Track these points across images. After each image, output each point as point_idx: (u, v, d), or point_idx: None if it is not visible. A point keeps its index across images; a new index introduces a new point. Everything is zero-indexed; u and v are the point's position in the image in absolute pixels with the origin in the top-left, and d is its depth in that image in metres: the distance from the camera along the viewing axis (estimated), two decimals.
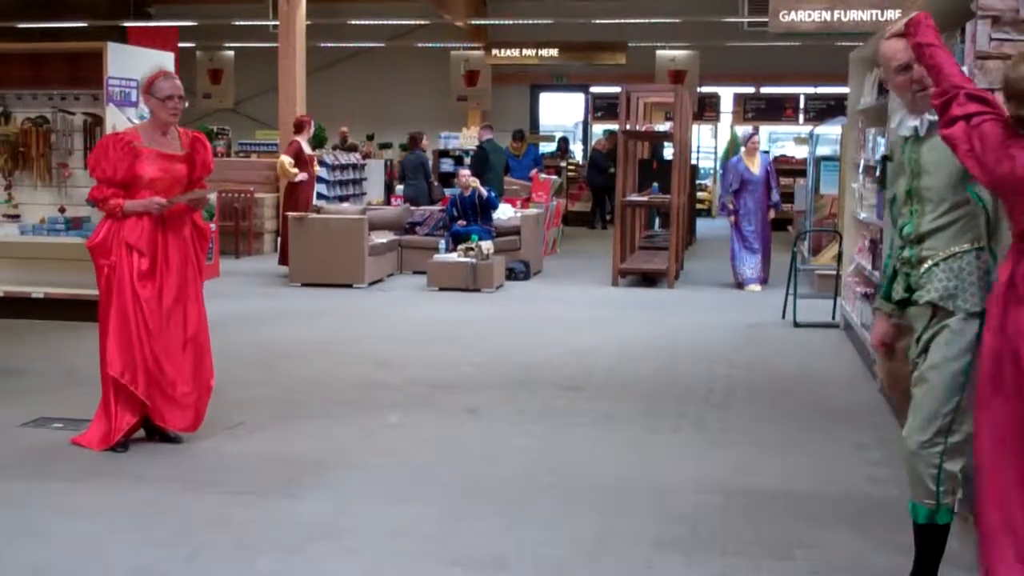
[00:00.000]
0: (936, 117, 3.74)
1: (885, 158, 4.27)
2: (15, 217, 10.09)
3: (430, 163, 18.09)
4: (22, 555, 4.41)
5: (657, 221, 17.55)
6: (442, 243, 13.51)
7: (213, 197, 14.20)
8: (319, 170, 14.82)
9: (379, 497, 5.19)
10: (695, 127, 22.71)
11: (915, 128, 3.94)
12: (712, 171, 26.11)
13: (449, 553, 4.47)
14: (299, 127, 14.12)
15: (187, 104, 6.05)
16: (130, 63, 9.68)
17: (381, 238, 13.40)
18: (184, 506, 5.02)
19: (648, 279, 13.44)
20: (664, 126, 15.85)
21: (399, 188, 18.00)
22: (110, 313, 5.79)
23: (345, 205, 14.90)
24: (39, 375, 7.70)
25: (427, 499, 5.15)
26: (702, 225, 21.00)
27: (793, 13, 12.64)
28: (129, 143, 5.81)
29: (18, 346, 8.47)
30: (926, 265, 3.86)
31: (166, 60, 10.35)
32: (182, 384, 5.90)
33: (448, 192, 16.67)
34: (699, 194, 23.09)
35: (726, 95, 25.17)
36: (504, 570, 4.33)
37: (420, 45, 25.34)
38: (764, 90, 24.82)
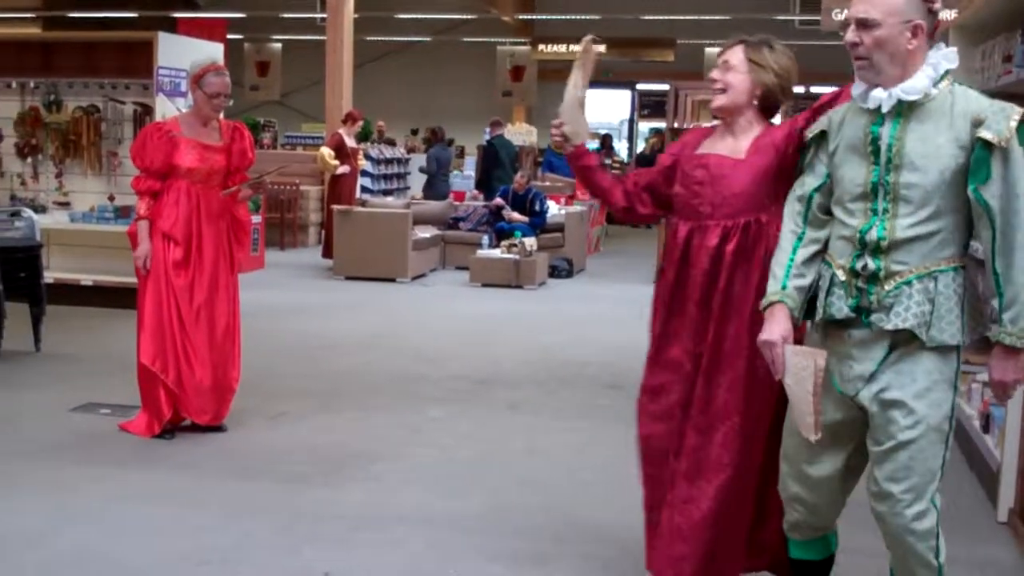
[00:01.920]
0: (916, 96, 3.08)
1: (813, 139, 3.38)
2: (65, 205, 10.21)
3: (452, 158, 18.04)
4: (70, 539, 4.47)
5: None
6: (485, 239, 13.50)
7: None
8: (364, 164, 14.85)
9: (421, 490, 5.20)
10: None
11: (880, 103, 3.12)
12: None
13: (490, 548, 4.48)
14: (348, 120, 14.16)
15: (231, 101, 6.07)
16: (180, 53, 9.76)
17: (425, 233, 13.42)
18: (229, 493, 5.07)
19: None
20: (712, 124, 15.75)
21: (455, 182, 17.97)
22: (144, 301, 5.86)
23: (389, 199, 14.94)
24: (88, 361, 7.79)
25: (469, 494, 5.16)
26: None
27: (846, 11, 12.49)
28: (168, 132, 5.83)
29: (67, 332, 8.56)
30: (894, 282, 3.09)
31: (216, 51, 10.44)
32: (207, 379, 5.89)
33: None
34: None
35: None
36: (545, 566, 4.33)
37: (466, 40, 25.39)
38: (815, 89, 24.59)
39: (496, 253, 12.68)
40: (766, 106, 3.76)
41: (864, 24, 3.09)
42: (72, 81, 10.14)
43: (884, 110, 3.11)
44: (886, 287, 3.10)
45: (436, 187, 16.24)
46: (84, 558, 4.28)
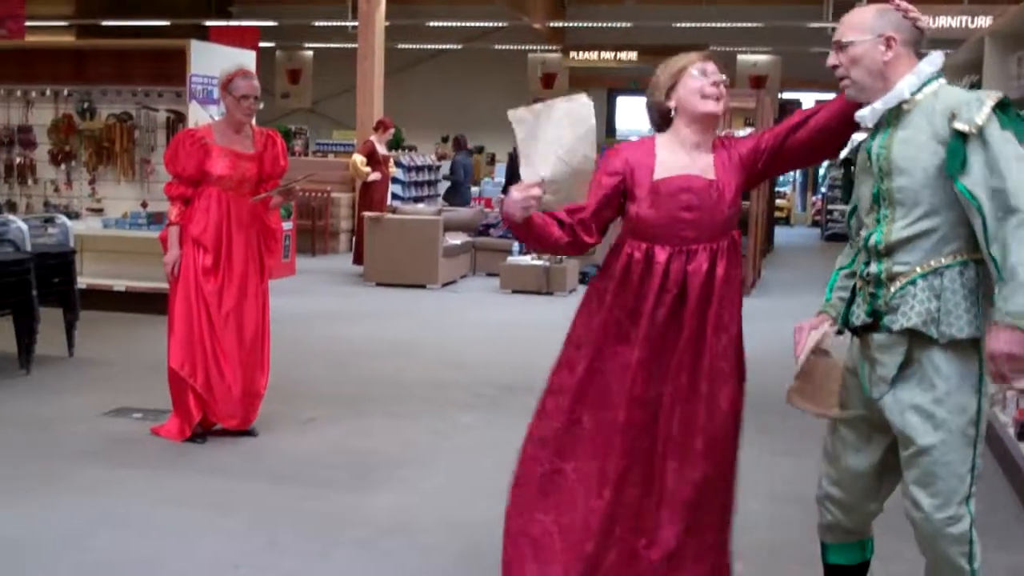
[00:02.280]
0: (893, 104, 3.16)
1: (847, 161, 3.61)
2: (99, 211, 10.29)
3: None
4: (102, 541, 4.49)
5: None
6: (516, 245, 13.50)
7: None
8: (395, 171, 14.88)
9: (450, 496, 5.20)
10: None
11: (873, 112, 3.22)
12: (792, 178, 25.84)
13: None
14: (379, 127, 14.21)
15: (262, 105, 6.08)
16: (212, 61, 9.83)
17: (455, 239, 13.44)
18: (259, 498, 5.08)
19: None
20: (744, 132, 15.72)
21: (486, 189, 18.08)
22: (175, 306, 5.90)
23: (420, 206, 14.97)
24: (120, 366, 7.84)
25: (497, 500, 5.13)
26: (780, 233, 20.79)
27: None
28: (200, 139, 5.86)
29: (100, 338, 8.62)
30: (899, 283, 3.14)
31: (247, 59, 10.50)
32: (235, 384, 5.92)
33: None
34: (777, 201, 22.87)
35: (808, 101, 24.79)
36: None
37: (497, 47, 25.42)
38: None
39: (527, 260, 12.68)
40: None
41: (840, 45, 3.23)
42: (105, 89, 10.24)
43: (869, 124, 3.22)
44: (891, 289, 3.15)
45: (461, 194, 16.30)
46: (116, 561, 4.30)
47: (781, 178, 25.13)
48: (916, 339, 3.11)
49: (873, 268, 3.20)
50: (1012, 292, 2.92)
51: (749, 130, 14.29)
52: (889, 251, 3.15)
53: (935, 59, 3.21)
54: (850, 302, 3.34)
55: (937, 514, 3.09)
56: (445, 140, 23.21)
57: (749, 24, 22.13)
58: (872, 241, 3.19)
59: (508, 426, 6.48)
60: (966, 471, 3.09)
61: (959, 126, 3.00)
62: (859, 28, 3.22)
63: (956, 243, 3.09)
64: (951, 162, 3.01)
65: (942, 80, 3.21)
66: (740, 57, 23.74)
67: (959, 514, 3.09)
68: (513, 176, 16.35)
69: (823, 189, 23.76)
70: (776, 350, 9.18)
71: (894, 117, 3.18)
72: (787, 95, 24.28)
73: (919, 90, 3.16)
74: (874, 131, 3.24)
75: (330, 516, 4.85)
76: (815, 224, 24.62)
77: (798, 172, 25.69)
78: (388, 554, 4.45)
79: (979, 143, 2.99)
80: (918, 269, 3.11)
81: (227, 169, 5.87)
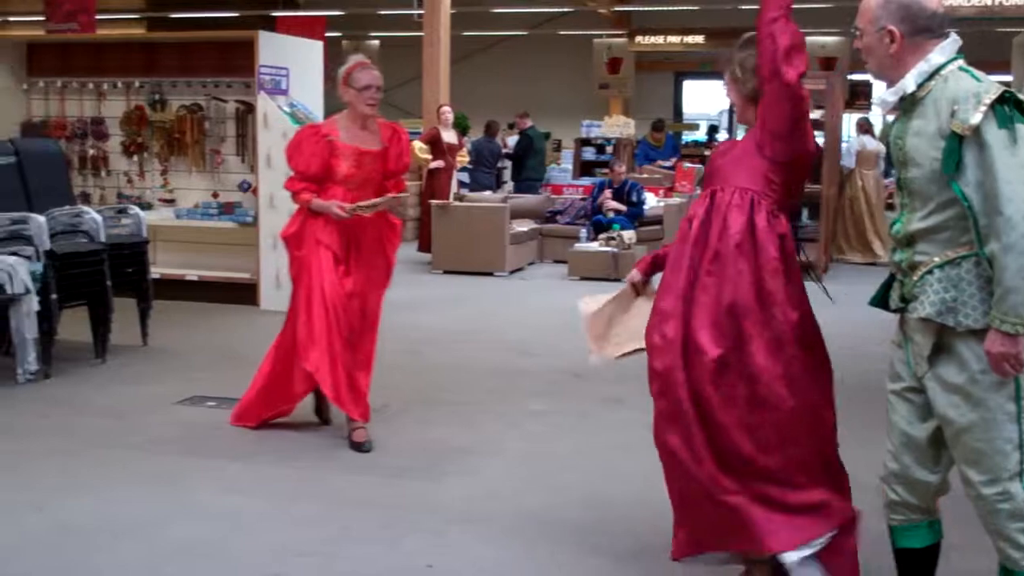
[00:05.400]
0: (898, 95, 3.21)
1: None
2: (170, 202, 10.42)
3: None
4: (177, 529, 4.55)
5: (805, 212, 17.17)
6: (583, 232, 13.45)
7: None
8: (465, 160, 14.79)
9: (520, 484, 5.19)
10: (845, 116, 22.16)
11: (883, 102, 3.30)
12: None
13: (590, 543, 4.45)
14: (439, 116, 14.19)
15: (381, 94, 5.77)
16: (280, 52, 9.91)
17: (522, 226, 13.42)
18: (331, 486, 5.11)
19: None
20: (814, 114, 15.49)
21: (552, 175, 18.10)
22: (299, 306, 5.71)
23: (487, 193, 14.96)
24: (193, 355, 7.93)
25: (568, 488, 5.14)
26: None
27: None
28: (325, 137, 5.66)
29: (173, 327, 8.73)
30: (919, 273, 3.17)
31: (315, 49, 10.55)
32: (363, 377, 5.83)
33: (590, 180, 16.60)
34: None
35: (878, 83, 24.42)
36: (645, 559, 4.28)
37: (563, 33, 25.31)
38: None
39: (594, 246, 12.62)
40: None
41: (858, 32, 3.29)
42: (176, 80, 10.36)
43: (882, 113, 3.32)
44: (913, 278, 3.20)
45: (478, 179, 16.15)
46: (189, 549, 4.35)
47: None
48: (942, 325, 3.14)
49: (898, 257, 3.26)
50: (1001, 294, 2.98)
51: (820, 112, 14.08)
52: (909, 241, 3.20)
53: (948, 46, 3.17)
54: (889, 284, 3.37)
55: (987, 490, 3.14)
56: (511, 127, 23.19)
57: (817, 5, 21.79)
58: (894, 230, 3.26)
59: (577, 413, 6.48)
60: (1012, 447, 3.11)
61: (954, 126, 3.01)
62: (866, 17, 3.24)
63: (971, 234, 3.07)
64: (947, 162, 3.04)
65: (957, 63, 3.17)
66: (808, 39, 23.28)
67: (1010, 490, 3.12)
68: (522, 159, 16.70)
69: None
70: (847, 335, 9.09)
71: (909, 104, 3.19)
72: (857, 76, 23.94)
73: (930, 78, 3.15)
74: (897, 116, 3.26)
75: (401, 504, 4.86)
76: (888, 207, 24.19)
77: None
78: (458, 543, 4.45)
79: (974, 144, 3.00)
80: (936, 259, 3.14)
81: (353, 167, 5.67)
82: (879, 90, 3.36)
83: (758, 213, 3.57)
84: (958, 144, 3.00)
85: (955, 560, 4.24)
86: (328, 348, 5.61)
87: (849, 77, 23.07)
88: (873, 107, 23.95)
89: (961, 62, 3.17)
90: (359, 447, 5.64)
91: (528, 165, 16.71)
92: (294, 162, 5.70)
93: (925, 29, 3.17)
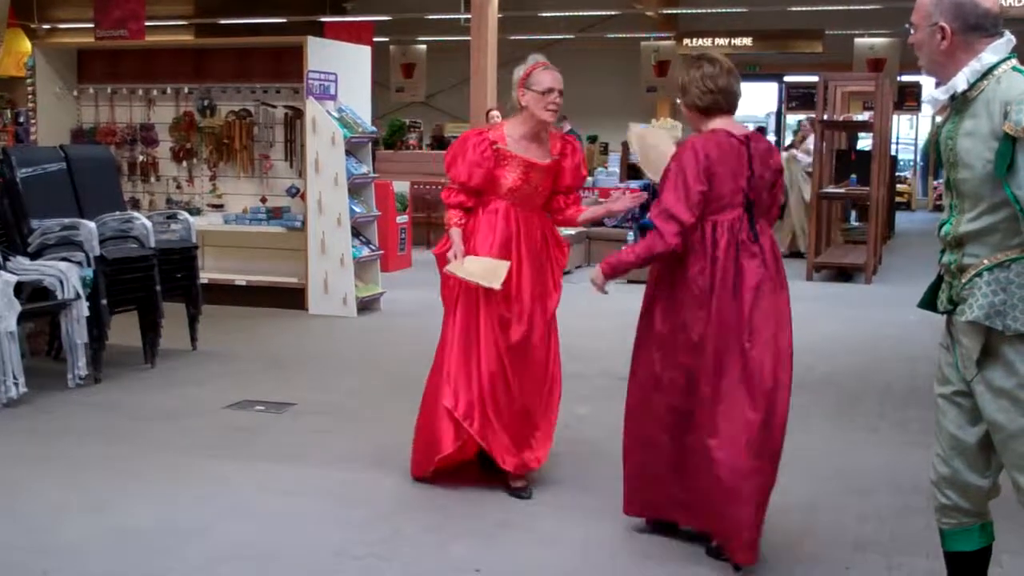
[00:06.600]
0: (948, 94, 3.14)
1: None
2: (219, 207, 10.48)
3: None
4: (227, 531, 4.57)
5: (853, 214, 17.02)
6: (631, 235, 13.38)
7: (405, 187, 14.38)
8: None
9: (570, 486, 5.17)
10: (895, 117, 21.96)
11: (933, 101, 3.22)
12: (912, 163, 25.21)
13: (641, 547, 4.42)
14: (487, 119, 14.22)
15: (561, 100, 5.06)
16: (329, 57, 9.95)
17: (569, 230, 13.37)
18: (380, 489, 5.12)
19: (844, 274, 13.04)
20: (863, 116, 15.36)
21: (599, 179, 18.12)
22: (451, 334, 5.06)
23: None
24: (242, 359, 7.97)
25: (617, 490, 5.09)
26: (901, 219, 20.27)
27: None
28: (492, 145, 5.01)
29: (222, 331, 8.78)
30: (968, 275, 3.13)
31: (363, 54, 10.59)
32: (511, 426, 5.06)
33: (637, 183, 16.54)
34: (898, 186, 22.30)
35: (928, 84, 24.14)
36: (698, 566, 4.24)
37: (610, 36, 25.24)
38: None
39: None
40: None
41: (912, 27, 3.24)
42: (225, 86, 10.42)
43: (932, 112, 3.27)
44: (962, 280, 3.16)
45: None
46: (240, 551, 4.36)
47: (901, 163, 24.55)
48: (991, 329, 3.09)
49: (947, 258, 3.22)
50: None
51: (868, 114, 13.96)
52: (958, 243, 3.16)
53: (1001, 45, 3.13)
54: (937, 286, 3.32)
55: None
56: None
57: (866, 7, 21.57)
58: (943, 232, 3.21)
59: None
60: None
61: (1006, 128, 2.96)
62: (920, 13, 3.21)
63: (1022, 236, 3.04)
64: (999, 164, 2.99)
65: (1011, 63, 3.12)
66: (857, 40, 23.16)
67: None
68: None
69: None
70: (895, 336, 8.99)
71: (960, 104, 3.14)
72: (906, 77, 23.70)
73: (982, 78, 3.10)
74: (947, 116, 3.20)
75: (449, 509, 4.85)
76: (937, 209, 23.97)
77: (919, 156, 25.08)
78: (507, 548, 4.43)
79: None
80: (985, 262, 3.09)
81: (519, 181, 5.02)
82: (928, 92, 3.33)
83: None
84: (1011, 145, 2.96)
85: (1007, 564, 4.18)
86: (478, 382, 4.98)
87: (899, 79, 22.85)
88: (923, 107, 23.74)
89: (1015, 62, 3.13)
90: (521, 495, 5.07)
91: None
92: (454, 171, 5.06)
93: (977, 27, 3.12)
